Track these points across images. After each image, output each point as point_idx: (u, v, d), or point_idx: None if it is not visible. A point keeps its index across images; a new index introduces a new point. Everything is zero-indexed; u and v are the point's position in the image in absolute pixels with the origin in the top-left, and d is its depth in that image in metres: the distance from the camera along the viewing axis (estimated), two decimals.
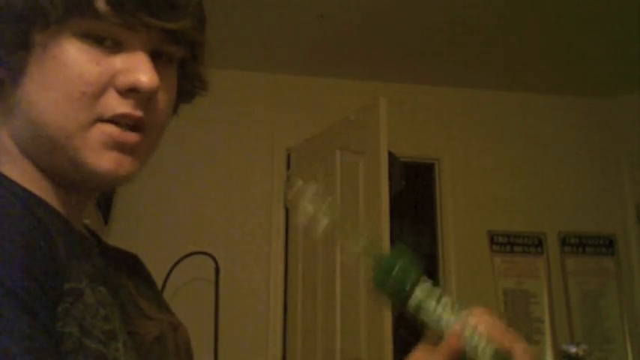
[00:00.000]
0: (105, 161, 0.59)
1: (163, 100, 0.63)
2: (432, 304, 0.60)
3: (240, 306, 3.16)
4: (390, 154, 2.66)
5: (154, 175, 3.14)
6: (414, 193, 3.46)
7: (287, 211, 3.29)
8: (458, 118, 3.64)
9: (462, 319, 0.60)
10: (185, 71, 0.68)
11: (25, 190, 0.58)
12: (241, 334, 3.13)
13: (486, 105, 3.69)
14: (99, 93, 0.58)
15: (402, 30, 3.08)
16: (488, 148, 3.63)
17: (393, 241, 2.49)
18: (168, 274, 2.86)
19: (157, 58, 0.61)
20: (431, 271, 3.56)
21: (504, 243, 3.50)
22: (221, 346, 2.91)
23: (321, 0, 2.83)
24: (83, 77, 0.58)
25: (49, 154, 0.60)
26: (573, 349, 2.21)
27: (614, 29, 3.04)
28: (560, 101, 3.76)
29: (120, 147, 0.60)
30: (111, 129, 0.59)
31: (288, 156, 3.39)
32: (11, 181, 0.58)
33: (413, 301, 0.59)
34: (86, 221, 0.70)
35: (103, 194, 2.98)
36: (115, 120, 0.59)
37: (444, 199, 3.51)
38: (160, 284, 2.77)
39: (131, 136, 0.60)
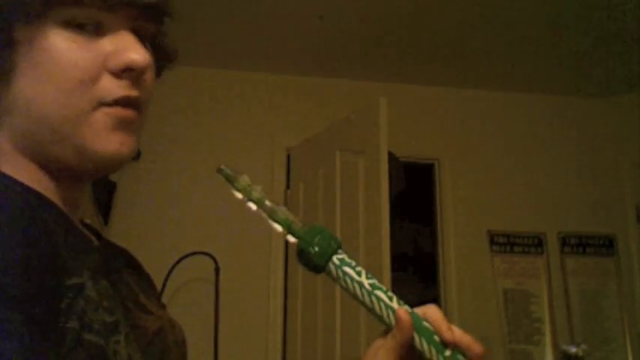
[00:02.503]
0: (111, 143, 0.60)
1: (149, 76, 0.64)
2: (351, 270, 0.64)
3: (240, 306, 3.16)
4: (390, 154, 2.66)
5: (154, 175, 3.14)
6: (414, 193, 3.46)
7: None
8: (458, 118, 3.64)
9: (404, 307, 0.62)
10: (153, 46, 0.68)
11: (22, 185, 0.58)
12: (241, 334, 3.13)
13: (486, 105, 3.69)
14: (94, 78, 0.59)
15: (401, 30, 3.08)
16: (488, 148, 3.63)
17: (393, 242, 2.48)
18: (168, 274, 2.86)
19: (135, 36, 0.63)
20: (431, 271, 3.57)
21: (504, 243, 3.50)
22: (221, 346, 2.91)
23: (321, 0, 2.83)
24: (77, 65, 0.58)
25: (53, 146, 0.60)
26: (573, 349, 2.21)
27: (614, 29, 3.04)
28: (560, 101, 3.76)
29: (123, 126, 0.61)
30: (113, 109, 0.60)
31: (288, 156, 3.39)
32: (8, 177, 0.58)
33: (332, 267, 0.65)
34: (87, 221, 0.71)
35: (103, 195, 2.98)
36: (115, 103, 0.60)
37: (444, 199, 3.52)
38: (160, 284, 2.77)
39: (131, 113, 0.61)
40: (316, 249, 0.64)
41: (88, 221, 0.71)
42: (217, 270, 3.00)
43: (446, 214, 3.49)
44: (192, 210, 3.24)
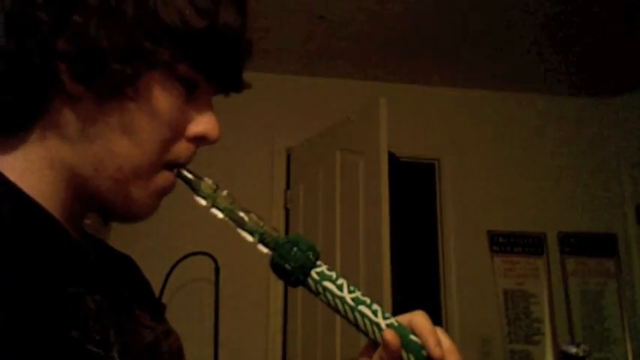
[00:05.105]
0: (151, 206, 0.62)
1: None
2: (331, 285, 0.60)
3: (240, 306, 3.16)
4: (390, 154, 2.66)
5: None
6: (414, 193, 3.46)
7: (287, 211, 3.29)
8: (458, 118, 3.64)
9: (392, 321, 0.59)
10: None
11: (25, 197, 0.56)
12: (241, 334, 3.13)
13: (486, 105, 3.69)
14: (175, 140, 0.61)
15: (402, 30, 3.08)
16: (488, 148, 3.63)
17: (393, 242, 2.48)
18: (169, 274, 2.86)
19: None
20: (431, 271, 3.56)
21: (504, 243, 3.50)
22: (221, 346, 2.91)
23: (321, 0, 2.83)
24: (171, 124, 0.59)
25: (107, 181, 0.59)
26: (573, 349, 2.21)
27: (614, 29, 3.04)
28: (560, 101, 3.76)
29: (166, 193, 0.63)
30: (171, 177, 0.62)
31: (288, 156, 3.39)
32: (14, 189, 0.56)
33: (311, 282, 0.60)
34: (87, 221, 0.70)
35: None
36: (177, 165, 0.62)
37: (444, 199, 3.52)
38: (160, 284, 2.77)
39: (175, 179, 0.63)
40: (292, 264, 0.60)
41: (88, 222, 0.71)
42: (217, 270, 3.00)
43: (446, 214, 3.49)
44: (192, 210, 3.23)
